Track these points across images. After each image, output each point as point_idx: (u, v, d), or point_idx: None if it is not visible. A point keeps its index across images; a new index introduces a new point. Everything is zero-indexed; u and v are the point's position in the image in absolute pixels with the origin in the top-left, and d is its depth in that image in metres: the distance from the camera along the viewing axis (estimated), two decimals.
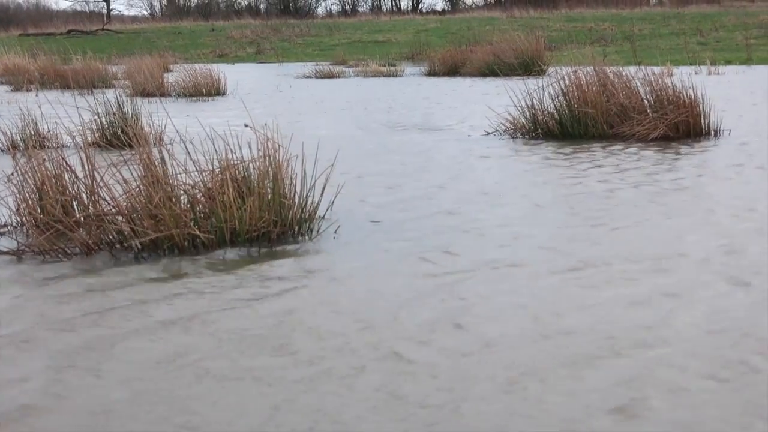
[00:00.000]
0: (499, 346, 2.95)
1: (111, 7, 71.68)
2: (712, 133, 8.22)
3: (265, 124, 4.68)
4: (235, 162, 4.57)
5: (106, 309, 3.45)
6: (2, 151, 7.85)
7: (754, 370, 2.68)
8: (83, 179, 4.65)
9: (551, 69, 14.49)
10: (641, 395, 2.52)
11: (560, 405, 2.48)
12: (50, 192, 4.63)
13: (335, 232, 4.68)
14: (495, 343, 2.97)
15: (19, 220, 4.79)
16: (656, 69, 8.52)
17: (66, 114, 6.63)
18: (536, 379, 2.66)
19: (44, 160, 4.73)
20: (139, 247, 4.30)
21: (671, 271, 3.83)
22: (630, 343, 2.94)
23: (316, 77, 22.08)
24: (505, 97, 8.74)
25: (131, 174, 4.52)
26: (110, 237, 4.37)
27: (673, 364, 2.75)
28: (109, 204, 4.49)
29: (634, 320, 3.17)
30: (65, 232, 4.39)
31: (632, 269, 3.86)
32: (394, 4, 69.31)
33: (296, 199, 4.62)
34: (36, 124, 7.82)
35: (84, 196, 4.64)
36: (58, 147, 5.42)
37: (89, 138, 6.44)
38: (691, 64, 19.81)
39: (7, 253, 4.34)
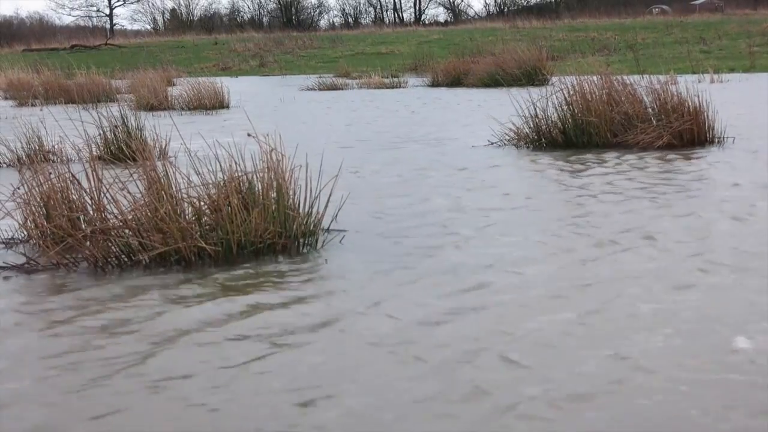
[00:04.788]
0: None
1: (114, 21, 72.00)
2: (716, 141, 8.22)
3: (267, 135, 4.68)
4: (240, 174, 4.57)
5: (119, 322, 3.46)
6: (8, 165, 7.89)
7: None
8: (89, 193, 4.65)
9: (554, 79, 14.50)
10: None
11: None
12: (57, 206, 4.63)
13: (340, 242, 4.69)
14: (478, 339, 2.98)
15: (26, 233, 4.79)
16: (660, 78, 8.49)
17: (72, 128, 6.63)
18: None
19: (50, 174, 4.73)
20: (147, 260, 4.31)
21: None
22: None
23: (320, 89, 22.12)
24: (508, 108, 8.76)
25: (137, 187, 4.53)
26: (118, 250, 4.38)
27: None
28: (115, 218, 4.49)
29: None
30: (74, 245, 4.40)
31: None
32: (396, 15, 69.53)
33: (301, 210, 4.62)
34: (40, 138, 7.83)
35: (90, 209, 4.64)
36: (63, 161, 5.43)
37: (94, 152, 6.45)
38: (694, 73, 19.83)
39: (17, 267, 4.34)
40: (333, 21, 71.41)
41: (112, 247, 4.39)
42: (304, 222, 4.64)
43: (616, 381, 2.69)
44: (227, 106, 15.88)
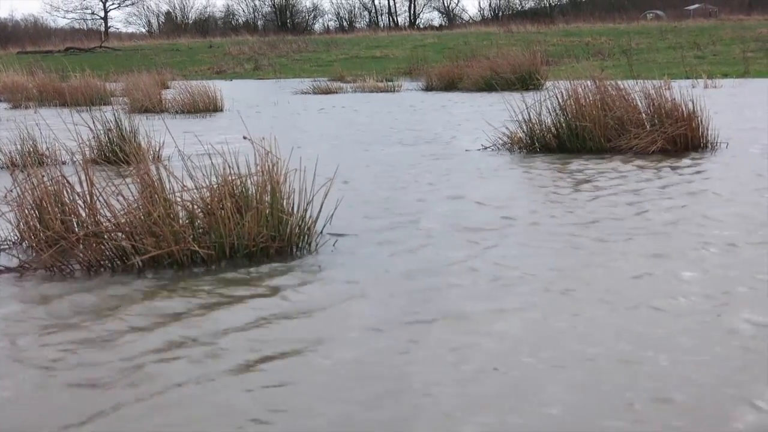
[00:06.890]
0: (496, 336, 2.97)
1: (108, 24, 71.89)
2: (710, 146, 8.23)
3: (263, 138, 4.67)
4: (233, 177, 4.57)
5: (110, 326, 3.45)
6: (1, 168, 7.86)
7: None
8: (82, 196, 4.64)
9: (548, 83, 14.52)
10: None
11: None
12: (50, 209, 4.62)
13: (334, 245, 4.68)
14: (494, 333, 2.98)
15: (19, 236, 4.78)
16: (654, 83, 8.50)
17: (65, 130, 6.62)
18: None
19: (43, 177, 4.72)
20: (140, 264, 4.30)
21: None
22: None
23: (314, 93, 22.07)
24: (502, 112, 8.75)
25: (130, 191, 4.52)
26: (111, 253, 4.37)
27: None
28: (108, 221, 4.48)
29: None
30: (67, 248, 4.39)
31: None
32: (391, 19, 69.56)
33: (294, 214, 4.62)
34: (34, 141, 7.80)
35: (83, 212, 4.63)
36: (56, 164, 5.41)
37: (88, 155, 6.41)
38: (688, 78, 19.82)
39: (10, 270, 4.33)
40: (328, 25, 71.35)
41: (105, 251, 4.38)
42: (298, 226, 4.64)
43: None
44: (221, 109, 15.86)
